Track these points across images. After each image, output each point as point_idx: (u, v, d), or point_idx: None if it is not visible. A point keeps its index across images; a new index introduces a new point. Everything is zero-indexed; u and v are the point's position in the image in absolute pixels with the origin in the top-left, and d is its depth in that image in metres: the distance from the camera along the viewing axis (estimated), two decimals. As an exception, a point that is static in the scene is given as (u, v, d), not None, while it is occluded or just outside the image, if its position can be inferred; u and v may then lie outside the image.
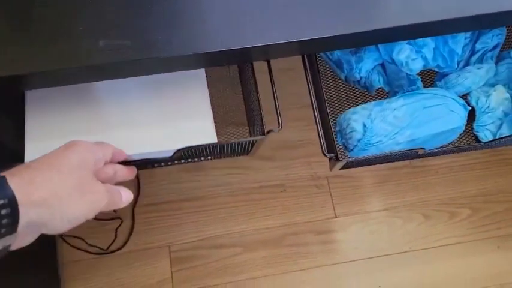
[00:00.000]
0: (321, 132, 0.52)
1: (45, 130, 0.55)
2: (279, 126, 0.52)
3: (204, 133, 0.55)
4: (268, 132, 0.53)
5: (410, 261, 1.10)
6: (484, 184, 1.17)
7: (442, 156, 1.18)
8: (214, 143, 0.53)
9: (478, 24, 0.53)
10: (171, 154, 0.54)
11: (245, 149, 0.58)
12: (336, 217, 1.14)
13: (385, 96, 0.63)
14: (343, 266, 1.09)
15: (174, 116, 0.56)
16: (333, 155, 0.52)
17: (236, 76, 0.63)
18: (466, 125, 0.61)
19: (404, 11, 0.50)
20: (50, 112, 0.55)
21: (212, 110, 0.57)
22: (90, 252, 1.04)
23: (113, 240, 1.05)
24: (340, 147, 0.59)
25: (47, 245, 0.97)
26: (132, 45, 0.47)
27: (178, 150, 0.52)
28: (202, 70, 0.59)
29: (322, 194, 1.15)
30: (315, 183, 1.16)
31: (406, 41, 0.56)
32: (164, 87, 0.58)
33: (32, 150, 0.53)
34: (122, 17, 0.48)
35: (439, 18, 0.50)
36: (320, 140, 0.52)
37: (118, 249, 1.05)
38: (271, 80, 0.54)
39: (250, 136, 0.60)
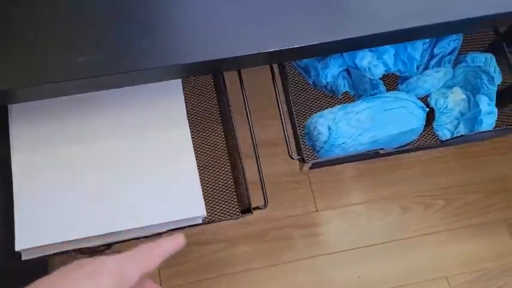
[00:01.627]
0: (287, 135, 0.56)
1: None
2: (264, 204, 0.56)
3: (194, 208, 0.55)
4: (255, 209, 0.56)
5: (390, 252, 1.15)
6: (456, 176, 1.22)
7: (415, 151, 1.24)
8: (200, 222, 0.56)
9: (435, 32, 0.58)
10: (160, 231, 0.55)
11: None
12: (317, 211, 1.18)
13: (352, 99, 0.67)
14: (324, 258, 1.13)
15: (162, 185, 0.56)
16: (299, 157, 0.56)
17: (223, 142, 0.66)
18: (428, 125, 0.65)
19: (364, 22, 0.54)
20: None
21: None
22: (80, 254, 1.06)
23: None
24: (309, 148, 0.63)
25: (38, 266, 0.97)
26: (108, 59, 0.50)
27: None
28: (186, 127, 0.60)
29: (303, 189, 1.19)
30: (295, 179, 1.20)
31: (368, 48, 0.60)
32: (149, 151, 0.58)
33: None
34: (99, 34, 0.51)
35: (397, 27, 0.54)
36: (286, 143, 0.55)
37: (106, 248, 1.08)
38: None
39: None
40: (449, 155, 1.24)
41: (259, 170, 0.57)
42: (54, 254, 0.55)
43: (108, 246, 1.00)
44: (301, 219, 1.16)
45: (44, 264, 0.97)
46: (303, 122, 0.63)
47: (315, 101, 0.67)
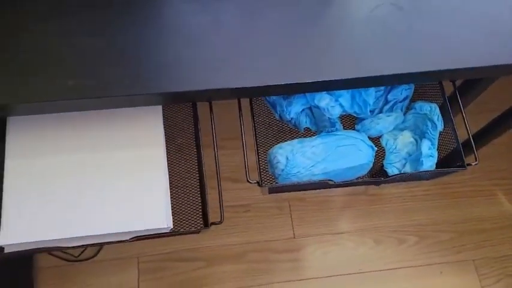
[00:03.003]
0: (246, 162, 0.64)
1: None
2: (220, 220, 0.64)
3: (159, 218, 0.63)
4: (212, 224, 0.64)
5: (360, 282, 1.19)
6: (432, 214, 1.28)
7: (396, 186, 1.30)
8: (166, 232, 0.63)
9: (383, 82, 0.66)
10: (128, 238, 0.63)
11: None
12: (294, 237, 1.24)
13: (313, 134, 0.75)
14: (297, 284, 1.18)
15: (135, 197, 0.63)
16: (256, 181, 0.64)
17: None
18: (379, 162, 0.72)
19: (320, 69, 0.62)
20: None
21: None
22: (63, 259, 1.13)
23: (84, 249, 1.14)
24: (271, 175, 0.70)
25: (23, 257, 1.04)
26: (96, 84, 0.59)
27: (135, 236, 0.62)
28: (162, 147, 0.68)
29: (283, 215, 1.25)
30: (277, 205, 1.27)
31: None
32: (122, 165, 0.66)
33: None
34: (88, 62, 0.60)
35: (351, 76, 0.62)
36: (245, 168, 0.63)
37: (91, 257, 1.15)
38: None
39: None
40: (431, 194, 1.30)
41: (219, 192, 0.65)
42: (35, 251, 0.62)
43: (85, 248, 1.07)
44: (279, 244, 1.22)
45: (29, 256, 1.03)
46: (267, 151, 0.71)
47: (280, 133, 0.75)
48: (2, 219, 0.61)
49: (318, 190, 1.27)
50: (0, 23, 0.62)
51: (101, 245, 0.62)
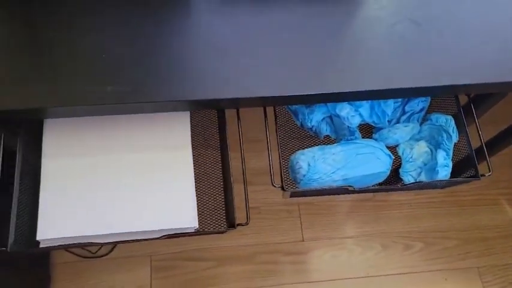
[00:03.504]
0: (272, 167, 0.67)
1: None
2: (246, 222, 0.66)
3: (187, 218, 0.66)
4: (238, 225, 0.67)
5: (367, 287, 1.22)
6: (438, 221, 1.31)
7: (403, 194, 1.33)
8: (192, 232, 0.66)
9: (402, 94, 0.69)
10: (158, 236, 0.66)
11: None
12: (303, 240, 1.26)
13: (332, 142, 0.78)
14: (305, 286, 1.21)
15: (163, 197, 0.66)
16: (280, 185, 0.67)
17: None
18: (395, 171, 0.75)
19: (343, 80, 0.66)
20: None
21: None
22: (78, 255, 1.16)
23: (101, 247, 1.17)
24: (291, 179, 0.73)
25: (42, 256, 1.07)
26: (132, 91, 0.62)
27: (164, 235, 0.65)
28: (189, 150, 0.71)
29: (292, 218, 1.28)
30: (286, 209, 1.29)
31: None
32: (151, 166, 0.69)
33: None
34: (126, 69, 0.63)
35: (370, 88, 0.65)
36: (270, 173, 0.67)
37: (105, 254, 1.17)
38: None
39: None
40: (437, 202, 1.33)
41: (245, 194, 0.68)
42: (67, 246, 0.65)
43: (101, 245, 1.09)
44: (288, 246, 1.25)
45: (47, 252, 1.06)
46: (289, 157, 0.75)
47: (300, 140, 0.78)
48: (39, 215, 0.65)
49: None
50: (49, 32, 0.65)
51: (132, 242, 0.65)
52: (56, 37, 0.65)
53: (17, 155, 0.65)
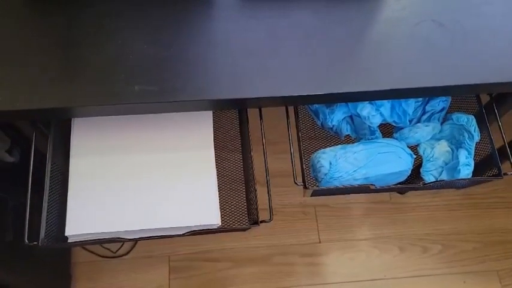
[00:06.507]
0: (294, 165, 0.68)
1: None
2: (270, 218, 0.66)
3: (211, 215, 0.67)
4: (261, 222, 0.68)
5: (383, 289, 1.22)
6: (456, 224, 1.30)
7: (420, 195, 1.32)
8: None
9: (424, 93, 0.69)
10: (182, 232, 0.67)
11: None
12: (319, 242, 1.27)
13: (352, 141, 0.79)
14: (322, 288, 1.21)
15: (187, 195, 0.68)
16: (302, 183, 0.68)
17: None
18: (416, 170, 0.76)
19: (363, 80, 0.66)
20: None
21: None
22: (98, 255, 1.18)
23: (121, 245, 1.19)
24: (312, 178, 0.74)
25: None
26: (159, 90, 0.64)
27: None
28: (212, 150, 0.72)
29: (308, 220, 1.29)
30: (302, 210, 1.30)
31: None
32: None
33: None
34: (152, 69, 0.65)
35: (393, 87, 0.66)
36: (293, 171, 0.67)
37: (124, 254, 1.19)
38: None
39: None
40: (455, 204, 1.32)
41: (268, 191, 0.69)
42: (93, 242, 0.67)
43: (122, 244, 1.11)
44: (305, 248, 1.25)
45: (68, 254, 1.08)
46: (310, 156, 0.75)
47: (321, 139, 0.79)
48: (67, 211, 0.66)
49: (343, 196, 1.30)
50: (78, 33, 0.67)
51: (156, 238, 0.66)
52: (85, 38, 0.67)
53: (48, 154, 0.67)
